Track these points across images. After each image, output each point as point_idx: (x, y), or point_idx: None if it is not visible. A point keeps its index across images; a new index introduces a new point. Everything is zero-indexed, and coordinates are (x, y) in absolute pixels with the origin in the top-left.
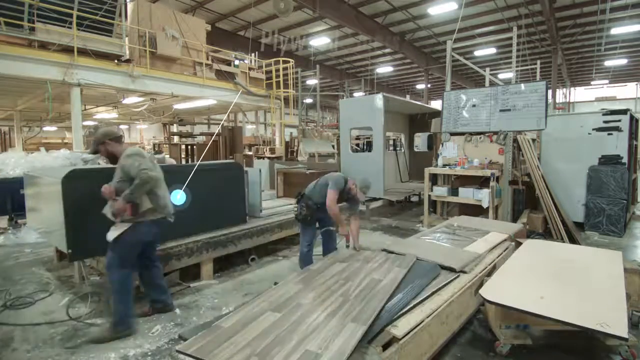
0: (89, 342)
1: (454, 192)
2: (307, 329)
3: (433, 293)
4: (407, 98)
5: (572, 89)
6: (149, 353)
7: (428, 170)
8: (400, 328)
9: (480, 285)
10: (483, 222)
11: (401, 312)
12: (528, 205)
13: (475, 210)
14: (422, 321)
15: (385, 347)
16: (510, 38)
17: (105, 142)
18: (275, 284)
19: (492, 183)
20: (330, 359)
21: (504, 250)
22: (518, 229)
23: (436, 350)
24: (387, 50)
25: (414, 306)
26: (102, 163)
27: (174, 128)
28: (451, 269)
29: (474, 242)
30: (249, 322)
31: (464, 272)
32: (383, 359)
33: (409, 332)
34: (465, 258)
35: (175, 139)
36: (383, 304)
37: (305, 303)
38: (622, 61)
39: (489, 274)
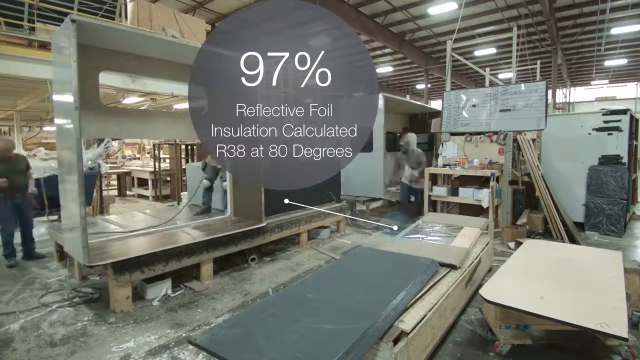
0: None
1: (454, 192)
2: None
3: (430, 288)
4: (407, 98)
5: (572, 89)
6: (149, 353)
7: (428, 170)
8: (407, 323)
9: (470, 278)
10: (450, 217)
11: (406, 307)
12: (528, 205)
13: (475, 210)
14: (425, 315)
15: (395, 341)
16: (510, 38)
17: None
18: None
19: (492, 183)
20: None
21: (486, 245)
22: (485, 222)
23: (437, 342)
24: (387, 50)
25: (416, 301)
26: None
27: None
28: (451, 266)
29: (455, 237)
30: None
31: (457, 267)
32: (395, 353)
33: (415, 327)
34: (459, 254)
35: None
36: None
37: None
38: (622, 61)
39: (476, 267)
